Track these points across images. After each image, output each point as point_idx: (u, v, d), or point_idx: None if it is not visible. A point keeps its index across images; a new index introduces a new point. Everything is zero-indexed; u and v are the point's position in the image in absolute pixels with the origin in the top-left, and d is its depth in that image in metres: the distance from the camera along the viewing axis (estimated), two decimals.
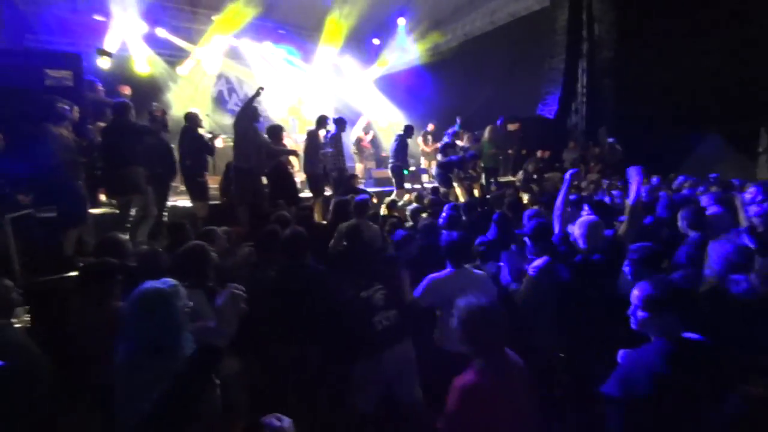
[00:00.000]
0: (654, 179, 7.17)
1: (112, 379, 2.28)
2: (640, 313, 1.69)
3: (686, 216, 3.22)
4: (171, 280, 1.69)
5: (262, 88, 5.76)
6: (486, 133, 8.41)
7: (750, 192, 3.58)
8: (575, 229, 2.87)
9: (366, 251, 3.26)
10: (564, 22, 11.27)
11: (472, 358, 1.77)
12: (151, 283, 1.65)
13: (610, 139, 9.83)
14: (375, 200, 7.02)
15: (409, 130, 7.97)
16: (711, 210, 3.48)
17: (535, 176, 9.38)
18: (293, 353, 2.63)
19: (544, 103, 11.66)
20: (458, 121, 9.86)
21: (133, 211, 4.87)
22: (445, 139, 8.74)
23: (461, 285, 2.58)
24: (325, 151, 6.79)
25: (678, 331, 1.64)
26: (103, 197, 5.86)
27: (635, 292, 1.71)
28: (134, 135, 4.72)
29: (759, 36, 9.38)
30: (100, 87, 6.56)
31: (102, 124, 5.41)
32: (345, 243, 3.47)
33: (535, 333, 2.63)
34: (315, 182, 6.61)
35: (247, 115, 5.56)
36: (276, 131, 6.22)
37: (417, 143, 10.19)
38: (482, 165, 8.18)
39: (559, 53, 11.42)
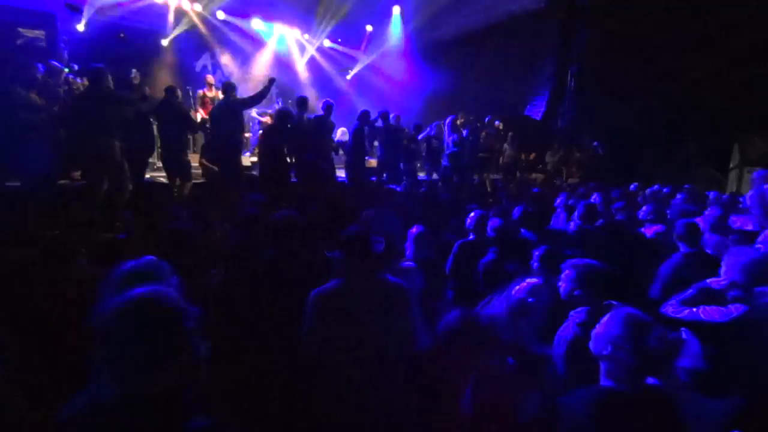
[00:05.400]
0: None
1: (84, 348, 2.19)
2: None
3: None
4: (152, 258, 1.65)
5: (273, 79, 5.75)
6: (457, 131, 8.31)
7: None
8: None
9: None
10: (558, 25, 11.34)
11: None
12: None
13: (595, 143, 9.99)
14: None
15: (417, 129, 8.07)
16: None
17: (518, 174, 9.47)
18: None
19: (532, 104, 11.76)
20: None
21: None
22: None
23: None
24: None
25: None
26: (74, 169, 5.56)
27: None
28: (111, 104, 4.45)
29: (742, 53, 9.68)
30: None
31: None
32: None
33: None
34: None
35: (252, 102, 5.71)
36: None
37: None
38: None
39: (551, 55, 11.50)
